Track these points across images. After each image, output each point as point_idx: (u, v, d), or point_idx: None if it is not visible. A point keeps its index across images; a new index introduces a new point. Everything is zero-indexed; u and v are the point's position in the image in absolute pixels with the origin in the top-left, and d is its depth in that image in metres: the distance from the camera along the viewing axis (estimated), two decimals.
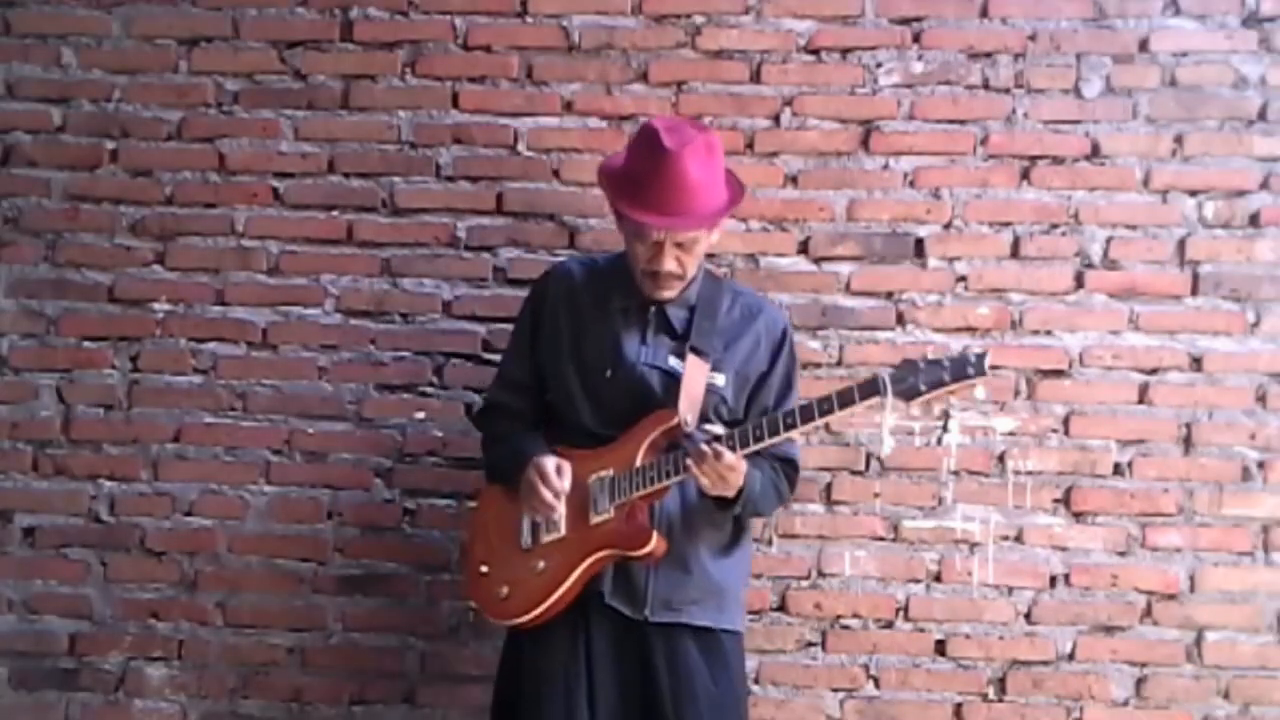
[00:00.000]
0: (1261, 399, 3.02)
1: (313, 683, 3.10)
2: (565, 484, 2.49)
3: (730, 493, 2.46)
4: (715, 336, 2.58)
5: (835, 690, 3.03)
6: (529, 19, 3.14)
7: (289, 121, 3.17)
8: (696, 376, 2.53)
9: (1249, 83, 3.04)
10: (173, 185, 3.18)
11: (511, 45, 3.14)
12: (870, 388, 2.38)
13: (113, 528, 3.14)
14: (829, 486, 3.05)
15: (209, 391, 3.15)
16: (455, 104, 3.14)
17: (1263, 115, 3.04)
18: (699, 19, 3.11)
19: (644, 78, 3.11)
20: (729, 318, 2.62)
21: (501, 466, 2.65)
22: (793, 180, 3.09)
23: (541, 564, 2.52)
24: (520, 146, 3.13)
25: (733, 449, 2.40)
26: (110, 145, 3.18)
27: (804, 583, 3.05)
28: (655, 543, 2.45)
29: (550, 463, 2.51)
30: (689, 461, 2.41)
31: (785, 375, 2.66)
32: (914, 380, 2.36)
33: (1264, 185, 3.03)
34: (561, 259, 2.95)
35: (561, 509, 2.50)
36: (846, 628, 3.04)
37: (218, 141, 3.17)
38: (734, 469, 2.42)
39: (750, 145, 3.10)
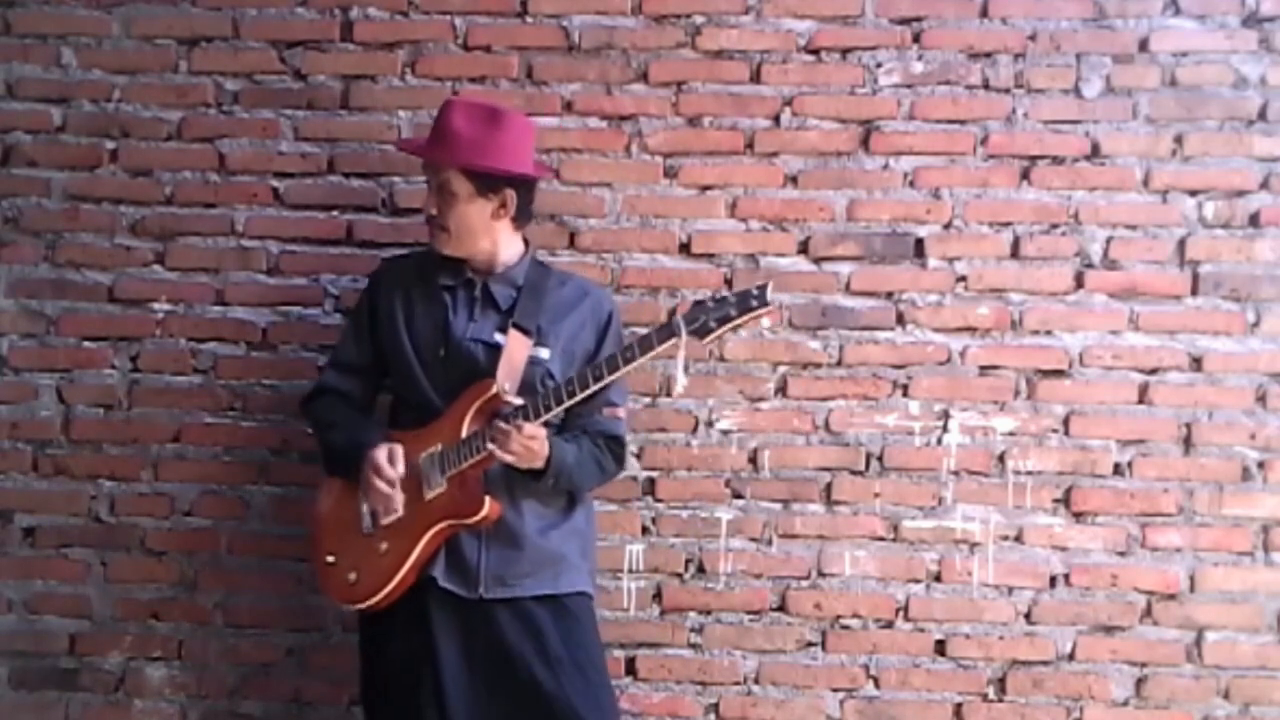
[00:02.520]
0: (1261, 399, 3.02)
1: (313, 683, 3.10)
2: (399, 469, 2.56)
3: (538, 464, 2.52)
4: (541, 314, 2.66)
5: (835, 690, 3.03)
6: (529, 19, 3.14)
7: (289, 121, 3.17)
8: (517, 349, 2.61)
9: (1249, 83, 3.04)
10: (173, 185, 3.18)
11: (511, 45, 3.14)
12: (666, 331, 2.47)
13: (113, 528, 3.14)
14: (829, 486, 3.05)
15: (209, 391, 3.15)
16: None
17: (1263, 115, 3.04)
18: (699, 19, 3.11)
19: (644, 78, 3.11)
20: (556, 296, 2.70)
21: (337, 458, 2.70)
22: (793, 180, 3.09)
23: (384, 545, 2.60)
24: None
25: (529, 417, 2.48)
26: (110, 145, 3.18)
27: (804, 583, 3.05)
28: (489, 507, 2.53)
29: (381, 453, 2.57)
30: (489, 439, 2.48)
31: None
32: (705, 319, 2.45)
33: (1264, 185, 3.03)
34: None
35: (400, 497, 2.57)
36: (846, 628, 3.04)
37: (218, 141, 3.17)
38: (535, 438, 2.48)
39: (750, 145, 3.10)
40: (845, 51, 3.10)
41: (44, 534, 3.16)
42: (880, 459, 3.05)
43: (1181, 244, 3.04)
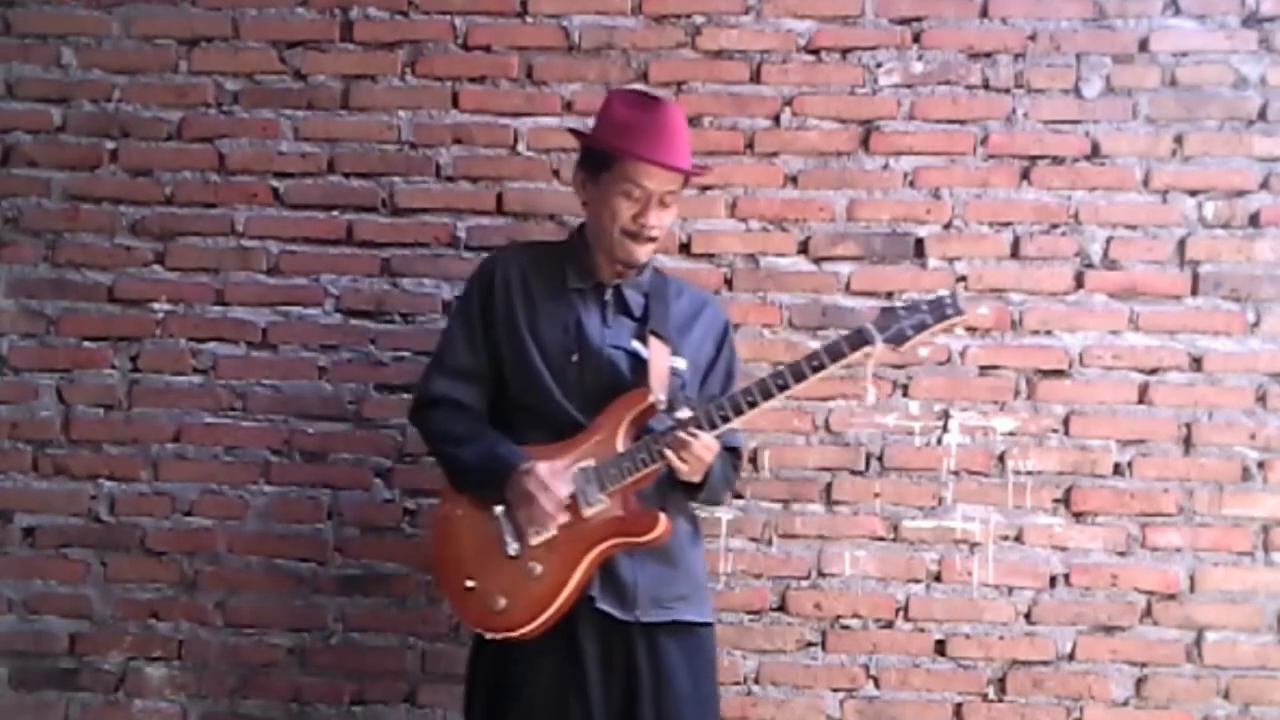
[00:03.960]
0: (1261, 399, 3.02)
1: (313, 683, 3.09)
2: (565, 491, 2.41)
3: (699, 478, 2.44)
4: (669, 322, 2.56)
5: (835, 690, 3.03)
6: (529, 19, 3.14)
7: (289, 121, 3.17)
8: (660, 359, 2.50)
9: (1249, 83, 3.04)
10: (173, 185, 3.18)
11: (511, 45, 3.14)
12: (858, 338, 2.39)
13: (113, 528, 3.14)
14: (829, 486, 3.05)
15: (209, 391, 3.15)
16: (455, 104, 3.14)
17: (1263, 115, 3.04)
18: (699, 19, 3.11)
19: (644, 78, 3.11)
20: (678, 305, 2.60)
21: (472, 476, 2.51)
22: (793, 180, 3.09)
23: (539, 568, 2.42)
24: (520, 146, 3.13)
25: (701, 427, 2.38)
26: (110, 145, 3.18)
27: (804, 583, 3.05)
28: (664, 524, 2.40)
29: (545, 468, 2.41)
30: (667, 448, 2.38)
31: (727, 366, 2.65)
32: (899, 325, 2.39)
33: (1264, 185, 3.03)
34: (501, 245, 2.92)
35: (563, 518, 2.42)
36: (846, 628, 3.04)
37: (218, 141, 3.17)
38: (711, 450, 2.40)
39: (750, 145, 3.10)
40: (845, 51, 3.10)
41: (44, 534, 3.15)
42: (880, 459, 3.05)
43: (1181, 244, 3.04)
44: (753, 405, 2.40)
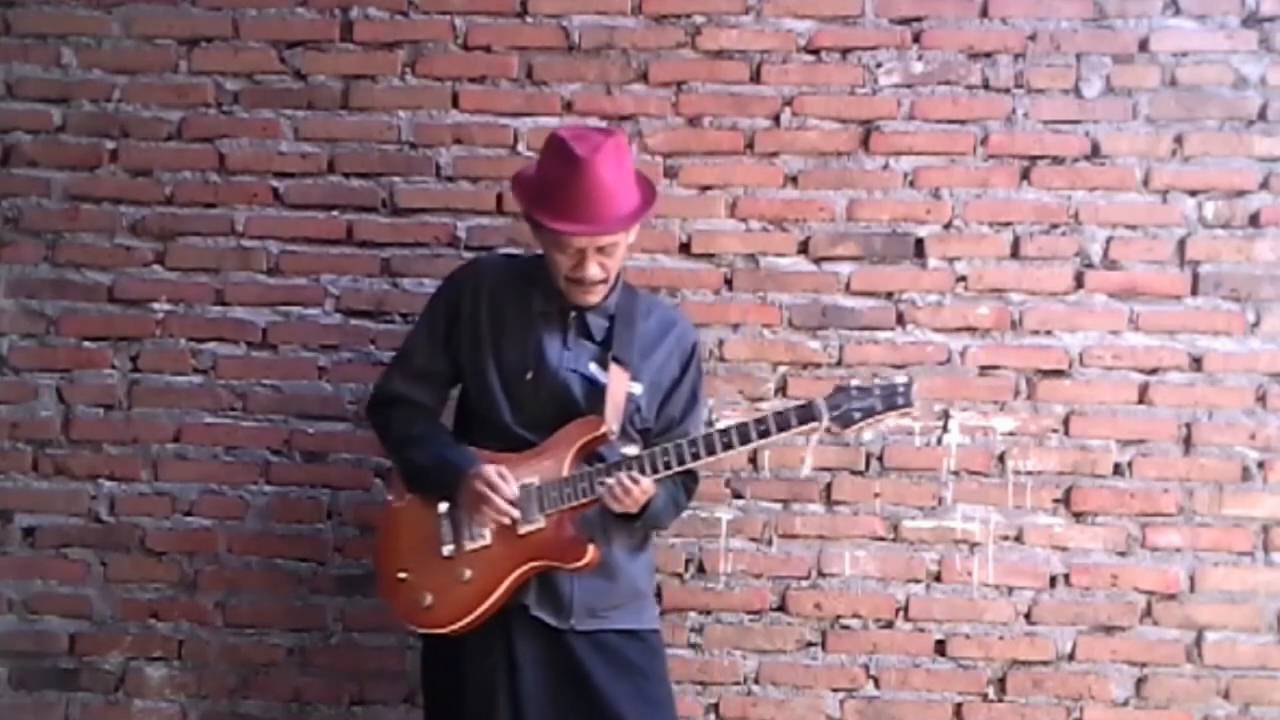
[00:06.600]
0: (1261, 399, 3.02)
1: (313, 683, 3.10)
2: (515, 489, 2.46)
3: (634, 511, 2.47)
4: (633, 346, 2.58)
5: (835, 690, 3.03)
6: (529, 19, 3.14)
7: (289, 121, 3.17)
8: (619, 386, 2.54)
9: (1249, 83, 3.04)
10: (173, 185, 3.18)
11: (511, 45, 3.14)
12: (807, 413, 2.44)
13: (113, 528, 3.14)
14: (829, 486, 3.05)
15: (209, 391, 3.15)
16: (455, 104, 3.14)
17: (1263, 115, 3.03)
18: (699, 19, 3.11)
19: (644, 78, 3.11)
20: (645, 326, 2.62)
21: (422, 477, 2.58)
22: (793, 180, 3.09)
23: (468, 573, 2.50)
24: (520, 146, 3.13)
25: (644, 470, 2.43)
26: (110, 145, 3.18)
27: (804, 583, 3.05)
28: (591, 555, 2.47)
29: (494, 471, 2.46)
30: (602, 487, 2.43)
31: (692, 387, 2.67)
32: (848, 408, 2.43)
33: (1264, 185, 3.03)
34: (480, 254, 2.95)
35: (507, 520, 2.47)
36: (846, 628, 3.04)
37: (218, 141, 3.17)
38: (646, 493, 2.44)
39: (750, 145, 3.10)
40: (845, 51, 3.10)
41: (44, 534, 3.15)
42: (880, 459, 3.05)
43: (1181, 244, 3.04)
44: (695, 458, 2.46)
